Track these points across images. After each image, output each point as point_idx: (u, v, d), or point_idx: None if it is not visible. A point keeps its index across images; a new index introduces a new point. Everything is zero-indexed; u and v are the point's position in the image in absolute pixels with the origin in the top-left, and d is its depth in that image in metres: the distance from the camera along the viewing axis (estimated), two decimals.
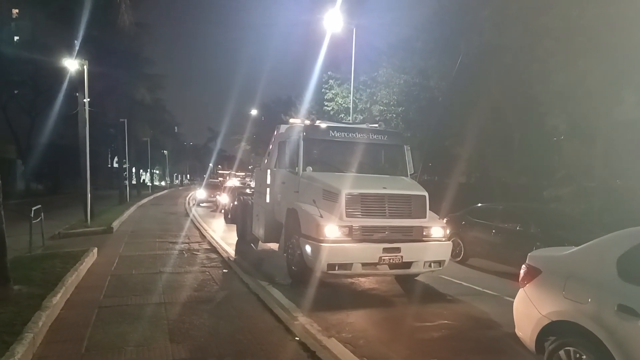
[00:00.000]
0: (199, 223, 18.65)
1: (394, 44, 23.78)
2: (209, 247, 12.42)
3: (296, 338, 5.39)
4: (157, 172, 75.77)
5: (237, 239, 13.70)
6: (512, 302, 4.63)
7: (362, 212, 7.62)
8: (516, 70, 13.96)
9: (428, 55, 19.50)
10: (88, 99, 16.73)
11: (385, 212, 7.71)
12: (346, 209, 7.52)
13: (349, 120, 24.51)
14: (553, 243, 7.42)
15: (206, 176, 55.62)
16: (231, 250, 12.12)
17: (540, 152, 16.52)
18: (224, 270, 9.36)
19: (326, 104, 28.60)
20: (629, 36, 11.19)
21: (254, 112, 52.69)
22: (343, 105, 27.33)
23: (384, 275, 8.66)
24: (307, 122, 9.23)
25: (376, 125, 9.86)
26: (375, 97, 24.95)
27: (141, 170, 56.55)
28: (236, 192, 19.27)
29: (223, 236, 15.03)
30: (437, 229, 8.01)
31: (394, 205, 7.80)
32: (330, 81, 28.62)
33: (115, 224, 16.61)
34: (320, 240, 7.27)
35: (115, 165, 48.24)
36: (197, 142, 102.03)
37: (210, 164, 77.09)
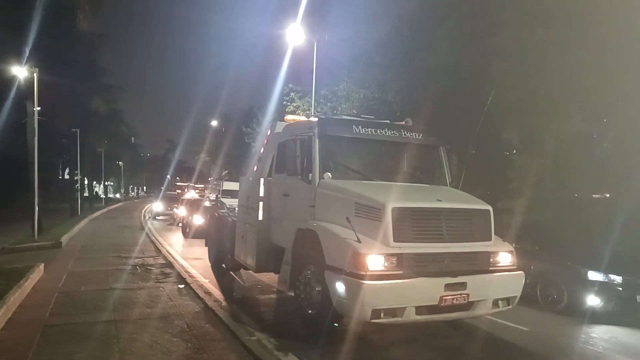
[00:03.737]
0: (154, 237, 18.09)
1: (355, 57, 24.15)
2: (164, 262, 12.03)
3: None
4: (112, 184, 73.20)
5: (209, 264, 11.24)
6: None
7: (414, 234, 5.66)
8: (470, 87, 14.46)
9: (386, 70, 19.94)
10: (38, 108, 16.03)
11: (442, 234, 5.79)
12: (394, 229, 5.49)
13: None
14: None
15: (163, 188, 54.22)
16: (192, 269, 11.74)
17: (495, 165, 17.12)
18: (180, 286, 9.07)
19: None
20: (575, 55, 11.84)
21: (214, 123, 52.05)
22: None
23: (439, 320, 6.27)
24: (320, 116, 7.43)
25: (402, 122, 7.73)
26: (336, 111, 25.18)
27: (94, 183, 54.50)
28: (208, 208, 18.63)
29: (180, 250, 14.62)
30: (505, 255, 6.16)
31: (453, 224, 5.91)
32: (292, 94, 28.70)
33: (65, 239, 15.86)
34: (360, 275, 5.22)
35: (67, 177, 46.29)
36: (155, 153, 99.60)
37: (168, 176, 75.36)
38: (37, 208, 15.86)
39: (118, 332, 6.06)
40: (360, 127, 6.96)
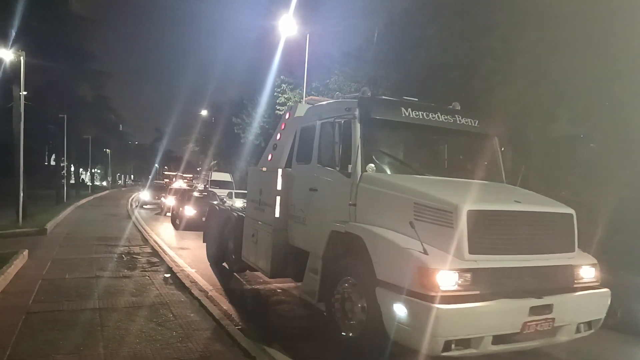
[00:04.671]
0: (141, 226, 18.00)
1: (347, 52, 24.16)
2: (151, 251, 12.01)
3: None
4: (99, 171, 72.39)
5: (209, 263, 10.35)
6: None
7: (491, 244, 4.60)
8: (460, 85, 14.58)
9: (378, 66, 19.98)
10: (24, 93, 15.79)
11: (522, 244, 4.78)
12: (469, 238, 4.41)
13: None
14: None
15: (151, 177, 53.82)
16: (179, 259, 11.72)
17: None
18: (166, 275, 9.08)
19: (278, 108, 28.57)
20: (563, 59, 12.00)
21: (204, 112, 51.72)
22: None
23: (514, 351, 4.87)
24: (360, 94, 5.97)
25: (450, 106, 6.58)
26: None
27: (81, 170, 53.84)
28: (200, 199, 18.19)
29: (168, 240, 14.59)
30: (589, 269, 5.18)
31: (535, 232, 4.89)
32: (283, 85, 28.65)
33: (50, 225, 15.71)
34: (430, 297, 4.18)
35: (53, 163, 45.67)
36: (143, 141, 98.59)
37: (156, 165, 74.78)
38: (21, 194, 15.68)
39: (102, 320, 6.08)
40: (410, 109, 5.75)
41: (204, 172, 39.96)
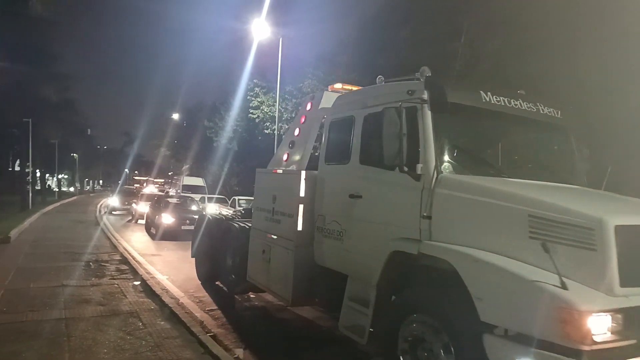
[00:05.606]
0: (110, 233, 17.57)
1: (319, 55, 24.32)
2: (120, 258, 11.73)
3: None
4: (66, 177, 70.32)
5: (200, 281, 9.13)
6: None
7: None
8: None
9: (350, 69, 20.17)
10: None
11: None
12: (620, 264, 3.21)
13: (274, 130, 24.67)
14: None
15: (121, 182, 52.61)
16: (150, 266, 11.48)
17: None
18: (135, 283, 8.89)
19: (251, 111, 28.43)
20: (528, 63, 12.39)
21: (175, 116, 50.97)
22: (269, 113, 27.34)
23: None
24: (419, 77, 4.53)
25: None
26: (300, 107, 25.23)
27: (47, 175, 52.19)
28: (185, 207, 17.21)
29: (138, 247, 14.28)
30: None
31: None
32: (256, 89, 28.52)
33: (14, 233, 15.16)
34: (579, 351, 3.01)
35: (18, 169, 44.09)
36: (113, 146, 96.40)
37: (126, 170, 73.18)
38: None
39: (69, 330, 5.90)
40: (490, 93, 4.55)
41: (175, 177, 39.31)
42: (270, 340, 6.10)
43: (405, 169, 4.15)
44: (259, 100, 28.18)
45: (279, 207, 6.28)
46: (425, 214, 4.10)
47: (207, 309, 7.30)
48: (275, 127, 24.50)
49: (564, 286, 3.04)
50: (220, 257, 8.18)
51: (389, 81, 5.15)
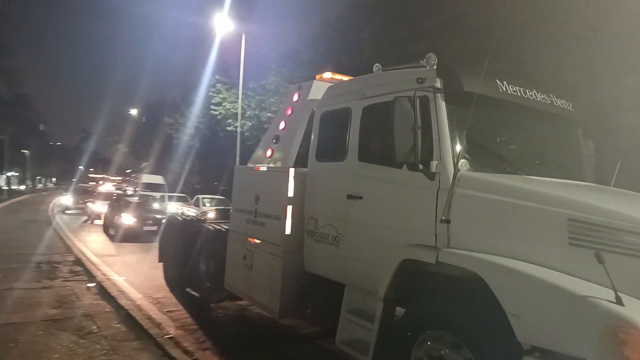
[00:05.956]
0: (63, 233, 16.86)
1: (283, 53, 24.20)
2: (73, 260, 11.27)
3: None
4: (17, 174, 67.02)
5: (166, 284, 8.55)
6: None
7: None
8: None
9: (315, 68, 20.16)
10: None
11: None
12: None
13: (237, 127, 24.36)
14: None
15: (75, 180, 50.62)
16: (105, 267, 11.06)
17: None
18: (90, 285, 8.57)
19: (213, 108, 27.98)
20: (490, 63, 12.79)
21: (133, 112, 49.57)
22: (231, 110, 27.00)
23: None
24: (422, 63, 4.07)
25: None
26: (264, 105, 25.06)
27: None
28: (147, 206, 16.55)
29: (93, 247, 13.77)
30: None
31: None
32: (218, 85, 28.11)
33: None
34: None
35: None
36: (68, 142, 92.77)
37: (81, 167, 70.51)
38: None
39: (17, 335, 5.62)
40: (506, 83, 4.12)
41: (134, 175, 38.18)
42: (232, 340, 6.01)
43: (420, 166, 3.64)
44: (221, 96, 27.79)
45: (263, 208, 5.73)
46: (444, 218, 3.55)
47: (165, 310, 7.12)
48: (238, 124, 24.22)
49: (619, 302, 2.57)
50: (193, 262, 7.58)
51: (387, 70, 4.66)
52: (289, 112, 5.99)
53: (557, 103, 4.50)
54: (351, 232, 4.53)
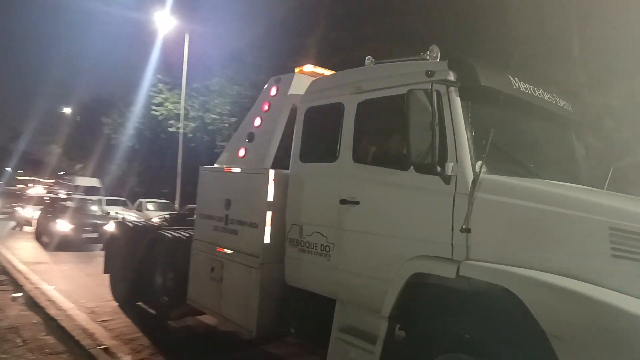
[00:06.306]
0: None
1: (228, 54, 23.98)
2: None
3: None
4: None
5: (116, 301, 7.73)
6: None
7: None
8: None
9: (259, 70, 20.13)
10: None
11: None
12: None
13: (179, 128, 23.73)
14: None
15: (2, 182, 47.14)
16: (34, 275, 10.37)
17: None
18: (15, 295, 8.02)
19: (154, 108, 27.11)
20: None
21: (66, 110, 46.98)
22: (173, 111, 26.29)
23: None
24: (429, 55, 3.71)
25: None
26: (208, 106, 24.64)
27: None
28: (85, 211, 15.45)
29: (20, 254, 12.88)
30: None
31: None
32: (160, 85, 27.29)
33: None
34: None
35: None
36: None
37: (8, 169, 65.74)
38: None
39: None
40: (518, 79, 3.82)
41: (67, 177, 36.10)
42: (173, 348, 5.85)
43: (438, 168, 3.24)
44: (163, 96, 27.02)
45: (235, 214, 5.13)
46: (464, 227, 3.16)
47: (100, 320, 6.81)
48: (180, 125, 23.63)
49: None
50: (146, 273, 6.84)
51: (379, 63, 4.27)
52: (266, 107, 5.39)
53: (560, 104, 4.24)
54: (345, 242, 4.04)
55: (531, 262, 2.88)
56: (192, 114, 25.57)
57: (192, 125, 25.14)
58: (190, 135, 25.03)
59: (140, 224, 8.25)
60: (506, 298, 2.77)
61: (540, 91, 4.00)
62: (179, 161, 22.87)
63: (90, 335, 5.90)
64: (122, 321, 6.87)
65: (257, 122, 5.42)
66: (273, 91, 5.37)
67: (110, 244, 8.21)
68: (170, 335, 6.56)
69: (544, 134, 4.33)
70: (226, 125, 23.63)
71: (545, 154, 4.29)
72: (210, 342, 6.23)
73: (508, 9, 11.30)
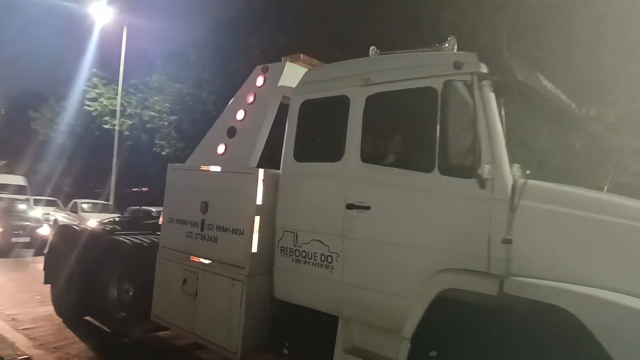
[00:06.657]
0: None
1: (171, 51, 23.48)
2: None
3: None
4: None
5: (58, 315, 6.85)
6: None
7: None
8: None
9: (202, 69, 19.80)
10: None
11: None
12: None
13: (115, 125, 22.69)
14: None
15: None
16: None
17: None
18: None
19: (88, 103, 25.80)
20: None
21: None
22: (108, 107, 25.18)
23: None
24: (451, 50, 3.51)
25: None
26: (146, 103, 23.82)
27: None
28: (14, 213, 13.51)
29: None
30: None
31: None
32: (95, 79, 26.04)
33: None
34: None
35: None
36: None
37: None
38: None
39: None
40: (543, 77, 3.55)
41: None
42: (102, 355, 5.59)
43: (479, 171, 2.89)
44: (98, 91, 25.87)
45: (214, 219, 4.50)
46: (507, 237, 2.80)
47: (22, 328, 6.36)
48: (116, 122, 22.66)
49: None
50: (98, 285, 6.03)
51: (383, 54, 3.89)
52: (251, 99, 4.79)
53: (573, 106, 3.97)
54: (352, 252, 3.57)
55: (584, 279, 2.58)
56: (129, 110, 24.61)
57: (129, 122, 24.19)
58: (127, 133, 24.05)
59: (90, 228, 7.23)
60: (558, 319, 2.45)
61: (559, 92, 3.73)
62: (114, 160, 21.88)
63: (10, 345, 5.52)
64: (47, 329, 6.46)
65: (240, 115, 4.82)
66: (259, 81, 4.80)
67: (52, 250, 7.24)
68: (102, 342, 6.25)
69: (560, 136, 4.08)
70: (165, 123, 22.97)
71: (558, 157, 4.08)
72: (147, 346, 6.02)
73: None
